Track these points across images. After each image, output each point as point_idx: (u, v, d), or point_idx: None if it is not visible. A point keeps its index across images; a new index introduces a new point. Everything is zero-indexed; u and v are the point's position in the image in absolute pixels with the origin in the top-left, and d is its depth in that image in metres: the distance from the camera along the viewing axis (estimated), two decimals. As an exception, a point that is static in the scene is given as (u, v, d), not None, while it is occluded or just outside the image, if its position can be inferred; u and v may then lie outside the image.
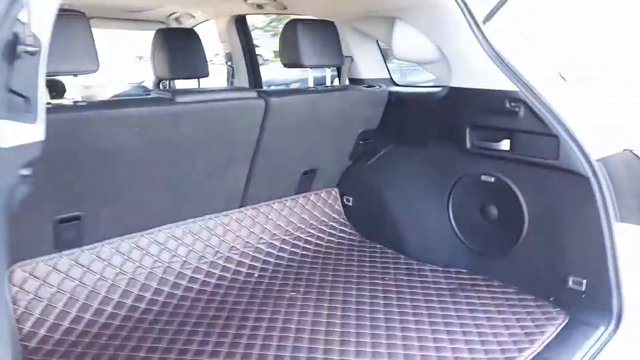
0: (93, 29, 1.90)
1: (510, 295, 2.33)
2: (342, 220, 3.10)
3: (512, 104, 2.28)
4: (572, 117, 2.21)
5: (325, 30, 2.64)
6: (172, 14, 4.14)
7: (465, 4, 2.24)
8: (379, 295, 2.35)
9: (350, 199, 3.12)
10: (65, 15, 2.01)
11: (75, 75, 1.90)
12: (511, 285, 2.43)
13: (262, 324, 2.11)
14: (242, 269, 2.56)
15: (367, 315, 2.17)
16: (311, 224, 2.96)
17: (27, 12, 1.06)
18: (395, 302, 2.28)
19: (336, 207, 3.11)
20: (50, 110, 1.81)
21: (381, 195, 2.97)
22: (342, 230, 3.04)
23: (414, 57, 2.74)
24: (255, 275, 2.54)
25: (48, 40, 1.27)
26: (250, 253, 2.65)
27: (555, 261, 2.24)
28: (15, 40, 1.07)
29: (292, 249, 2.79)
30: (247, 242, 2.68)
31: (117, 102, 2.15)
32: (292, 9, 3.28)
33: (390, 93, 2.88)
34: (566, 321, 2.10)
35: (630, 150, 2.17)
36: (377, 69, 3.07)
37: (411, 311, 2.21)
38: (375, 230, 3.02)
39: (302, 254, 2.78)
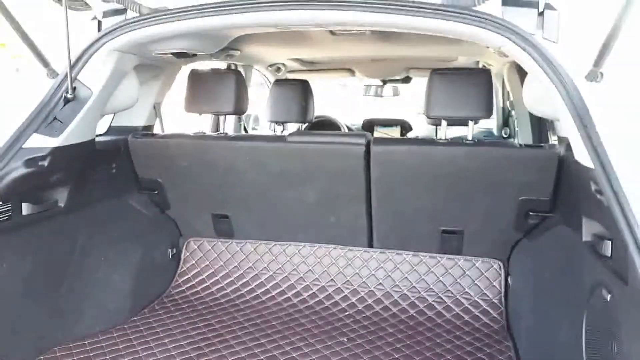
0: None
1: None
2: (494, 300, 2.57)
3: (595, 187, 1.55)
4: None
5: (466, 80, 2.38)
6: (477, 62, 4.23)
7: (547, 59, 1.68)
8: None
9: (513, 278, 2.55)
10: (218, 72, 2.84)
11: (219, 115, 2.72)
12: None
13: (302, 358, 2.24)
14: (341, 303, 2.69)
15: None
16: (448, 291, 2.64)
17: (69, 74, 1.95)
18: None
19: (494, 283, 2.61)
20: (204, 137, 2.70)
21: (536, 286, 2.33)
22: (484, 311, 2.55)
23: (539, 112, 2.11)
24: (346, 313, 2.62)
25: (99, 90, 2.15)
26: (361, 292, 2.71)
27: None
28: (63, 90, 2.00)
29: (406, 307, 2.63)
30: (364, 282, 2.74)
31: (241, 136, 2.81)
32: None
33: (566, 157, 2.22)
34: None
35: None
36: None
37: None
38: (516, 327, 2.39)
39: (411, 315, 2.58)
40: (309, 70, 4.69)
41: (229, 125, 4.13)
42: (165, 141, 2.72)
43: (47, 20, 2.09)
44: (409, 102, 6.19)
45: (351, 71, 4.80)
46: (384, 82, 5.14)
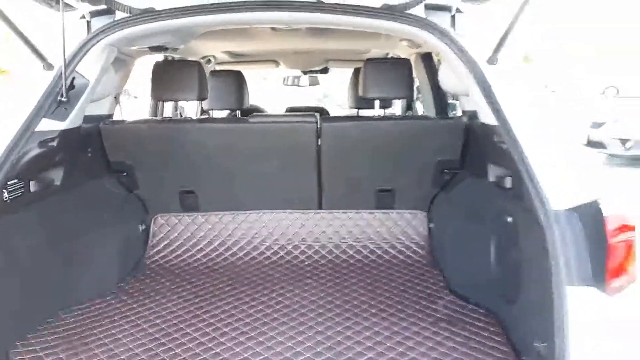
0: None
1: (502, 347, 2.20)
2: (421, 242, 3.25)
3: (498, 139, 2.20)
4: (549, 154, 1.99)
5: (394, 67, 2.99)
6: (387, 53, 4.92)
7: (460, 49, 2.29)
8: (388, 317, 2.45)
9: (433, 224, 3.23)
10: (182, 63, 3.20)
11: (183, 100, 3.09)
12: (512, 335, 2.24)
13: (282, 298, 2.70)
14: (300, 256, 3.21)
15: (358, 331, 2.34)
16: (385, 238, 3.27)
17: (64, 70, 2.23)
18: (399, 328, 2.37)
19: (420, 229, 3.28)
20: (172, 121, 3.05)
21: (452, 226, 3.02)
22: (414, 251, 3.21)
23: (452, 89, 2.79)
24: (306, 263, 3.15)
25: (95, 81, 2.45)
26: (315, 246, 3.26)
27: (533, 319, 2.04)
28: (64, 80, 2.26)
29: (353, 254, 3.22)
30: (317, 237, 3.29)
31: (210, 119, 3.23)
32: (422, 49, 3.71)
33: (469, 124, 2.91)
34: None
35: (597, 200, 1.81)
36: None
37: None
38: (441, 258, 3.07)
39: (358, 259, 3.18)
40: (237, 62, 5.10)
41: (167, 111, 4.46)
42: (136, 126, 3.04)
43: (42, 21, 2.35)
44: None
45: (276, 62, 5.28)
46: (304, 72, 5.70)
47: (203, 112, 4.94)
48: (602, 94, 26.80)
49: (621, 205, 1.87)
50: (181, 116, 4.76)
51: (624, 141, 10.56)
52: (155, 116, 4.44)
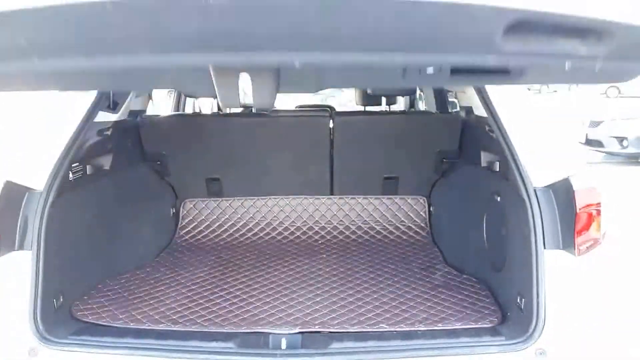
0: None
1: (490, 306, 2.52)
2: (422, 224, 3.63)
3: (488, 128, 2.57)
4: (529, 140, 2.35)
5: None
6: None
7: None
8: (386, 287, 2.76)
9: (433, 208, 3.61)
10: None
11: (214, 97, 3.46)
12: (499, 297, 2.60)
13: (297, 268, 3.08)
14: (314, 236, 3.59)
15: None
16: (390, 221, 3.65)
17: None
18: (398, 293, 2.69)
19: (421, 213, 3.66)
20: (201, 116, 3.43)
21: (449, 209, 3.39)
22: (416, 232, 3.59)
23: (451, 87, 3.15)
24: (319, 242, 3.53)
25: None
26: (328, 227, 3.64)
27: (516, 280, 2.38)
28: None
29: (361, 234, 3.59)
30: (329, 220, 3.67)
31: (234, 113, 3.62)
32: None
33: (466, 119, 3.29)
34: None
35: (568, 178, 2.18)
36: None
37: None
38: (440, 237, 3.45)
39: (366, 239, 3.56)
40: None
41: (189, 106, 4.86)
42: (168, 120, 3.43)
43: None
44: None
45: (288, 63, 5.67)
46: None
47: (218, 109, 5.33)
48: (603, 94, 27.17)
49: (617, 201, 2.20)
50: (200, 111, 5.16)
51: (620, 139, 10.88)
52: (178, 111, 4.84)
